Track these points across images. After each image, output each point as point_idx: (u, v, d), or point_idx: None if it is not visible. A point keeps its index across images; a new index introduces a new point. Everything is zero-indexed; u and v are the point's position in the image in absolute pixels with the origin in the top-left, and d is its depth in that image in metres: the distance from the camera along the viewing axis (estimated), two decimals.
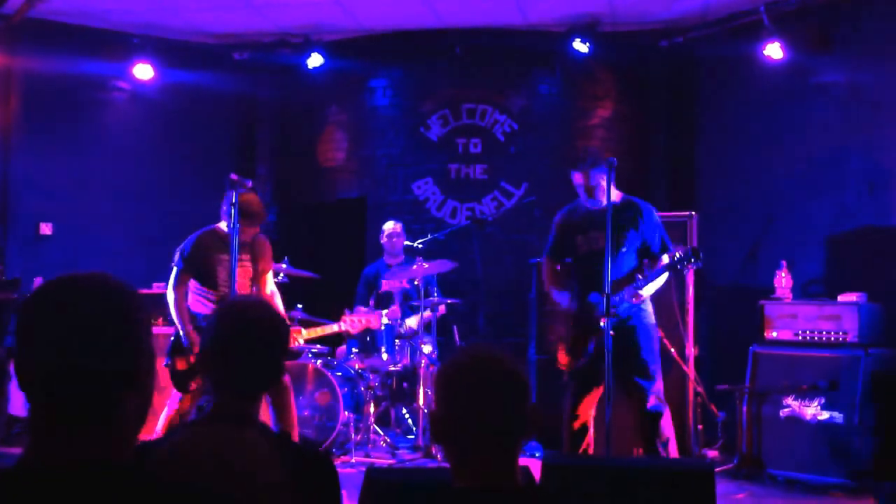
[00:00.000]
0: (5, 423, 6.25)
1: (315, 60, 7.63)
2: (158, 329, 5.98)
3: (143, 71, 7.42)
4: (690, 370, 5.85)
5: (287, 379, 5.01)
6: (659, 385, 4.59)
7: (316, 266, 6.55)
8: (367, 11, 7.28)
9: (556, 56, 7.58)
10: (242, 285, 4.92)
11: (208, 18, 7.43)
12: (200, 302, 4.99)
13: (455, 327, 6.83)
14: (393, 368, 6.21)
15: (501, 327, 7.25)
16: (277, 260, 5.80)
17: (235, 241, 4.45)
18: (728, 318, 6.67)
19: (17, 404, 6.27)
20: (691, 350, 5.88)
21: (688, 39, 7.26)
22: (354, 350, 6.33)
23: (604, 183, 4.46)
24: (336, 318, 6.03)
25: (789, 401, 5.38)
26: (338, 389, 5.86)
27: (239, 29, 7.66)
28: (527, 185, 7.59)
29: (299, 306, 6.30)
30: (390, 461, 5.80)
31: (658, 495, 2.76)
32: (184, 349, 4.85)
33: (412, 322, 6.51)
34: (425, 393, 6.00)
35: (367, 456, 5.90)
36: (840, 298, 5.48)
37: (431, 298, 6.47)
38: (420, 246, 6.54)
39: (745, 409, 5.53)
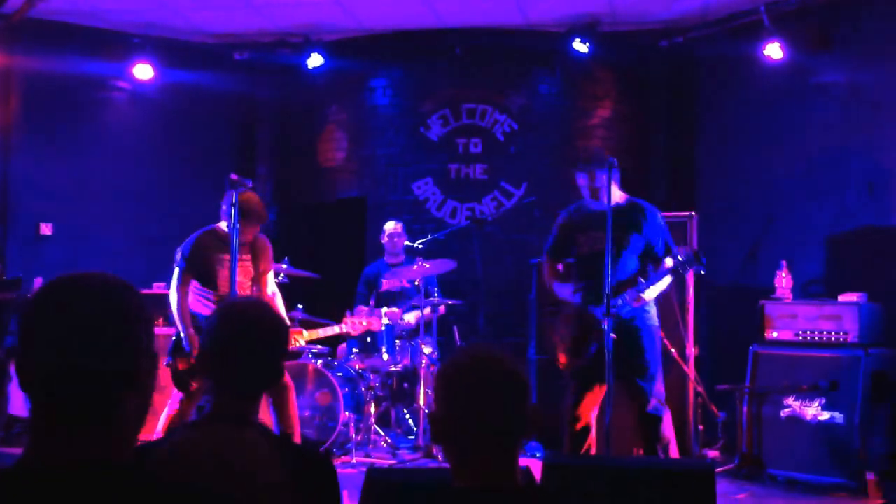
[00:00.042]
0: (5, 423, 6.25)
1: (315, 61, 7.63)
2: (159, 329, 5.98)
3: (143, 71, 7.42)
4: (691, 370, 5.85)
5: (288, 379, 5.01)
6: (660, 388, 4.57)
7: (316, 266, 6.55)
8: (367, 11, 7.28)
9: (557, 56, 7.58)
10: (243, 285, 4.92)
11: (208, 18, 7.44)
12: (200, 302, 4.98)
13: (455, 327, 6.83)
14: (393, 369, 6.21)
15: (501, 327, 7.24)
16: (278, 260, 5.80)
17: (235, 242, 4.45)
18: (728, 318, 6.67)
19: (17, 404, 6.27)
20: (691, 350, 5.88)
21: (688, 39, 7.26)
22: (355, 350, 6.33)
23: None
24: (336, 319, 6.03)
25: (790, 401, 5.38)
26: (338, 390, 5.86)
27: (239, 29, 7.66)
28: (527, 185, 7.58)
29: (300, 307, 6.30)
30: (391, 461, 5.80)
31: (658, 495, 2.75)
32: (184, 350, 4.85)
33: (410, 317, 6.52)
34: (426, 393, 6.00)
35: (368, 456, 5.90)
36: (840, 298, 5.48)
37: (432, 299, 6.47)
38: (420, 246, 6.54)
39: (745, 409, 5.53)
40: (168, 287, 5.01)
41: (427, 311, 6.31)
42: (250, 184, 4.71)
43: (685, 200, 7.13)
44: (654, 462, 4.03)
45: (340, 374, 6.09)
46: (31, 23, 6.99)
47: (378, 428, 6.21)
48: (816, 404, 5.27)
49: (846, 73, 6.35)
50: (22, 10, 6.74)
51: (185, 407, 4.83)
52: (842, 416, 5.14)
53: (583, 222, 4.69)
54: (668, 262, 4.51)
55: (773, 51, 6.54)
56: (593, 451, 4.69)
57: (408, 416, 6.62)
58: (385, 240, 6.86)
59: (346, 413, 5.87)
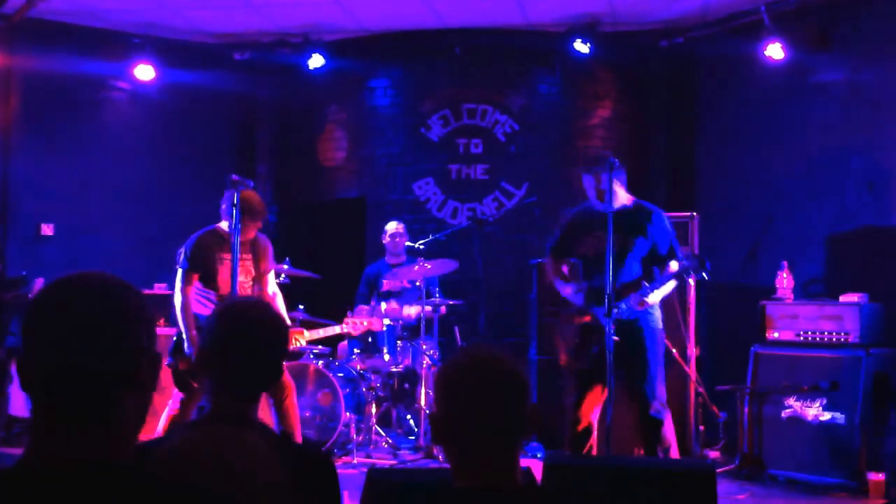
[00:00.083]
0: (5, 423, 6.25)
1: (316, 61, 7.63)
2: (160, 330, 5.98)
3: (144, 71, 7.41)
4: (692, 371, 5.85)
5: (290, 380, 5.01)
6: (662, 391, 4.54)
7: (316, 266, 6.55)
8: (367, 11, 7.28)
9: (557, 56, 7.58)
10: (244, 285, 4.91)
11: (208, 18, 7.44)
12: (201, 303, 4.98)
13: (456, 328, 6.83)
14: (394, 369, 6.21)
15: (502, 327, 7.24)
16: (279, 261, 5.80)
17: (237, 241, 4.44)
18: (729, 319, 6.66)
19: (18, 404, 6.27)
20: (692, 350, 5.88)
21: (688, 39, 7.26)
22: (356, 351, 6.33)
23: (615, 187, 4.47)
24: (337, 319, 6.03)
25: (791, 401, 5.37)
26: (339, 390, 5.86)
27: (239, 29, 7.66)
28: (527, 186, 7.58)
29: (301, 307, 6.29)
30: (392, 462, 5.80)
31: (659, 496, 2.75)
32: (186, 351, 4.84)
33: (411, 311, 6.52)
34: (426, 394, 5.99)
35: (369, 456, 5.90)
36: (841, 299, 5.48)
37: (433, 299, 6.47)
38: (421, 246, 6.54)
39: (746, 409, 5.52)
40: (169, 288, 5.01)
41: (428, 308, 6.31)
42: (251, 184, 4.71)
43: (685, 200, 7.13)
44: (655, 462, 4.02)
45: (341, 374, 6.09)
46: (31, 23, 6.99)
47: (379, 428, 6.22)
48: (817, 405, 5.26)
49: (846, 73, 6.35)
50: (22, 9, 6.74)
51: (186, 407, 4.82)
52: (843, 416, 5.14)
53: (589, 223, 4.67)
54: (674, 266, 4.49)
55: (774, 51, 6.54)
56: (594, 452, 4.68)
57: (409, 416, 6.62)
58: (386, 240, 6.85)
59: (347, 413, 5.87)
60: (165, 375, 4.84)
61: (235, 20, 7.46)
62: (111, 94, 7.77)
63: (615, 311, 4.28)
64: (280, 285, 5.58)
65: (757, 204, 6.89)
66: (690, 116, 7.69)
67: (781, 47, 6.51)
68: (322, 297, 6.82)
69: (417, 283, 6.27)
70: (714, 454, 6.03)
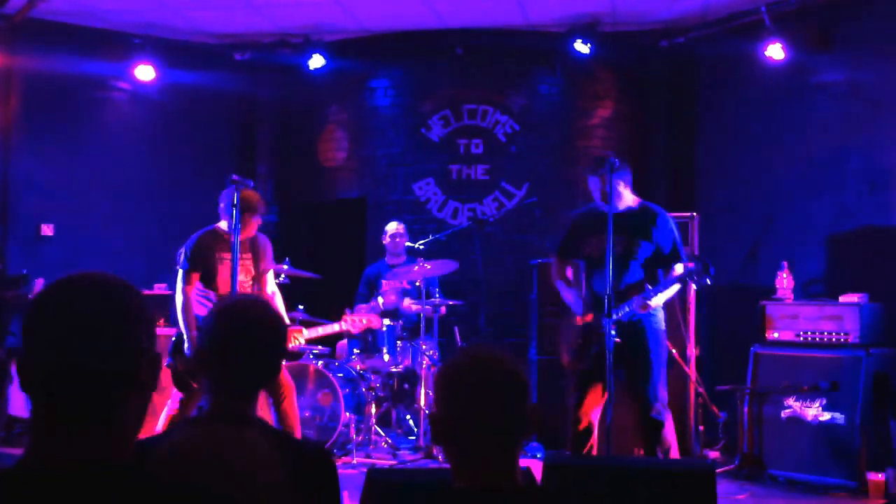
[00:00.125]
0: (5, 423, 6.25)
1: (316, 62, 7.63)
2: (160, 330, 5.98)
3: (144, 72, 7.41)
4: (692, 371, 5.85)
5: (290, 380, 5.01)
6: (663, 393, 4.53)
7: (316, 266, 6.55)
8: (368, 11, 7.28)
9: (557, 56, 7.58)
10: (243, 284, 4.92)
11: (209, 18, 7.44)
12: (200, 303, 4.98)
13: (456, 328, 6.82)
14: (394, 369, 6.21)
15: (502, 328, 7.24)
16: (279, 261, 5.80)
17: (237, 241, 4.45)
18: (729, 319, 6.67)
19: (18, 404, 6.27)
20: (692, 350, 5.88)
21: (688, 39, 7.26)
22: (356, 351, 6.33)
23: (620, 188, 4.48)
24: (337, 318, 6.03)
25: (790, 401, 5.37)
26: (339, 390, 5.86)
27: (239, 29, 7.66)
28: (528, 186, 7.58)
29: (301, 307, 6.29)
30: (391, 462, 5.80)
31: (659, 496, 2.75)
32: (185, 351, 4.84)
33: (410, 302, 6.52)
34: (426, 394, 6.00)
35: (369, 457, 5.90)
36: (841, 299, 5.48)
37: (433, 299, 6.47)
38: (422, 247, 6.55)
39: (746, 409, 5.52)
40: (169, 288, 5.01)
41: (428, 308, 6.31)
42: (252, 184, 4.73)
43: (685, 200, 7.13)
44: (655, 462, 4.02)
45: (341, 374, 6.09)
46: (31, 23, 6.99)
47: (379, 428, 6.21)
48: (817, 405, 5.26)
49: (846, 73, 6.35)
50: (22, 10, 6.74)
51: (185, 407, 4.83)
52: (843, 416, 5.14)
53: (594, 224, 4.65)
54: (678, 269, 4.49)
55: (774, 51, 6.54)
56: (595, 452, 4.68)
57: (408, 416, 6.62)
58: (387, 240, 6.85)
59: (347, 414, 5.87)
60: (165, 375, 4.85)
61: (236, 20, 7.46)
62: (111, 95, 7.77)
63: (618, 313, 4.27)
64: (280, 285, 5.58)
65: (757, 204, 6.89)
66: (690, 116, 7.69)
67: (782, 47, 6.51)
68: (322, 297, 6.82)
69: (417, 284, 6.27)
70: (714, 454, 6.03)
